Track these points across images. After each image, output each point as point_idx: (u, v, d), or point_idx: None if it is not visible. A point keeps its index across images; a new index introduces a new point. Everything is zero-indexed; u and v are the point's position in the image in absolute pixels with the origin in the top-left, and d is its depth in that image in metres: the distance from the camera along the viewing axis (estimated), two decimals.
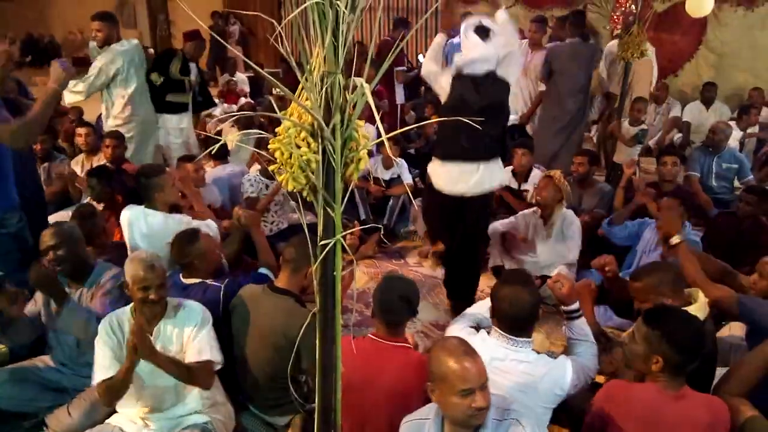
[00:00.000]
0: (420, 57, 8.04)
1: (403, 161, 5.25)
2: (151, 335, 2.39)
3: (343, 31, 1.05)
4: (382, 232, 4.83)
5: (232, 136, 5.33)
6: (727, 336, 2.89)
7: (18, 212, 2.87)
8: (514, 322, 2.16)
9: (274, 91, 7.35)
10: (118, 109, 4.61)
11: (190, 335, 2.39)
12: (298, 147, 1.14)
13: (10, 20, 14.52)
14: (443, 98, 3.34)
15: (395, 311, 2.35)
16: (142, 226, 3.17)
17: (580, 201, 4.47)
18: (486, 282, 3.90)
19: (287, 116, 1.18)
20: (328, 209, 1.15)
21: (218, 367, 2.45)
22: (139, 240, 3.17)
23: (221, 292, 2.78)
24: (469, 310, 2.60)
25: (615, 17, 5.14)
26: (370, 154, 5.23)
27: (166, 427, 2.42)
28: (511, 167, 4.72)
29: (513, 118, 5.57)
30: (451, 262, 3.75)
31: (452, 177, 3.35)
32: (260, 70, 1.32)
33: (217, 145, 1.50)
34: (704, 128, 5.98)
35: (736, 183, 5.22)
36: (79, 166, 4.65)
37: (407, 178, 5.16)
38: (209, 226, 3.26)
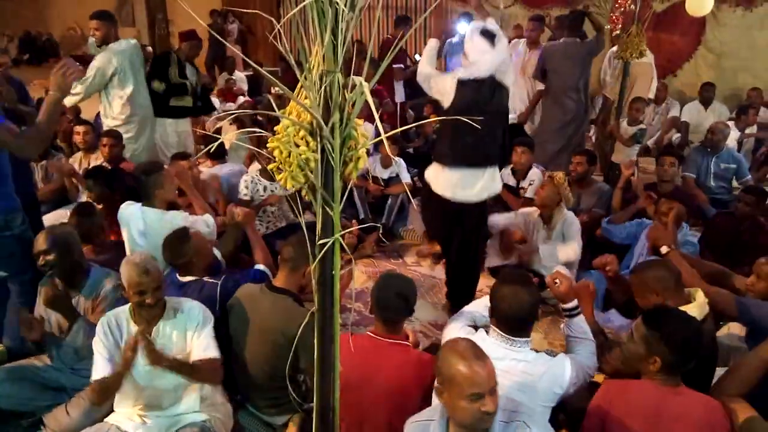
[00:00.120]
0: (417, 57, 8.05)
1: (401, 160, 5.25)
2: (150, 335, 2.39)
3: (342, 30, 1.05)
4: (380, 231, 4.83)
5: (229, 135, 5.32)
6: (726, 336, 2.90)
7: (21, 213, 2.87)
8: (513, 322, 2.15)
9: (273, 90, 7.34)
10: (116, 109, 4.60)
11: (192, 335, 2.40)
12: (297, 146, 1.14)
13: (9, 19, 14.51)
14: (446, 102, 3.24)
15: (392, 308, 2.35)
16: (140, 224, 3.16)
17: (578, 201, 4.47)
18: (485, 282, 3.90)
19: (286, 115, 1.18)
20: (327, 208, 1.15)
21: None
22: (137, 237, 3.17)
23: (218, 290, 2.79)
24: (466, 309, 2.60)
25: (615, 17, 5.14)
26: (369, 153, 5.23)
27: (164, 425, 2.42)
28: (510, 165, 4.73)
29: (511, 117, 5.58)
30: (449, 265, 3.73)
31: (456, 183, 3.30)
32: (259, 68, 1.31)
33: (215, 144, 1.50)
34: (703, 128, 5.99)
35: (735, 183, 5.23)
36: (77, 164, 4.63)
37: (406, 178, 5.17)
38: (207, 222, 3.26)
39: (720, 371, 2.34)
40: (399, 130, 1.45)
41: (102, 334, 2.37)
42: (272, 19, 1.31)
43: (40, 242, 2.65)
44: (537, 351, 2.21)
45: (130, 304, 2.42)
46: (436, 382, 1.78)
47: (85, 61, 4.67)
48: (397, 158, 5.21)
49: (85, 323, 2.63)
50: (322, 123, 1.09)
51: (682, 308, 2.30)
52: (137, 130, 4.70)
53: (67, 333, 2.66)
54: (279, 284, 2.63)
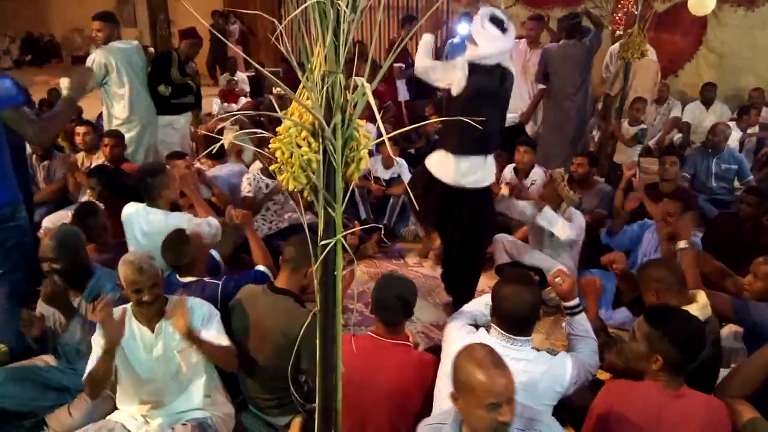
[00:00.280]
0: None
1: (403, 161, 5.25)
2: (153, 332, 2.40)
3: (344, 31, 1.05)
4: (382, 232, 4.83)
5: (229, 136, 5.32)
6: (726, 337, 2.90)
7: (24, 206, 2.94)
8: (515, 321, 2.15)
9: (274, 91, 7.34)
10: (117, 110, 4.60)
11: (200, 331, 2.41)
12: (299, 146, 1.14)
13: (10, 19, 14.52)
14: (456, 89, 3.16)
15: (392, 310, 2.35)
16: (143, 225, 3.17)
17: (580, 202, 4.47)
18: (486, 281, 3.90)
19: (288, 116, 1.18)
20: (329, 209, 1.15)
21: None
22: (140, 238, 3.17)
23: (219, 290, 2.79)
24: (466, 307, 2.60)
25: (617, 18, 5.13)
26: (370, 153, 5.20)
27: (166, 423, 2.42)
28: (512, 164, 4.72)
29: (513, 116, 5.58)
30: (448, 257, 3.70)
31: (463, 171, 3.28)
32: (262, 69, 1.31)
33: (217, 145, 1.50)
34: (704, 129, 5.99)
35: (736, 184, 5.23)
36: (78, 164, 4.64)
37: (407, 178, 5.16)
38: (210, 224, 3.27)
39: (721, 372, 2.35)
40: (400, 131, 1.45)
41: (102, 333, 2.36)
42: (274, 20, 1.31)
43: (48, 249, 2.64)
44: (538, 350, 2.21)
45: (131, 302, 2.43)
46: (451, 388, 1.75)
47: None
48: (398, 159, 5.22)
49: (82, 319, 2.63)
50: (324, 124, 1.09)
51: (684, 308, 2.30)
52: (138, 131, 4.70)
53: (65, 329, 2.67)
54: (280, 285, 2.63)
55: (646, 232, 3.79)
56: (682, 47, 7.87)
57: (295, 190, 1.18)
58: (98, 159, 4.49)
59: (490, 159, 3.38)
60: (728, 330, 2.96)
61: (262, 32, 11.71)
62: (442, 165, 3.34)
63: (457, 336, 2.29)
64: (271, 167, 1.24)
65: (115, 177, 3.97)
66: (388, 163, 5.15)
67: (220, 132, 5.54)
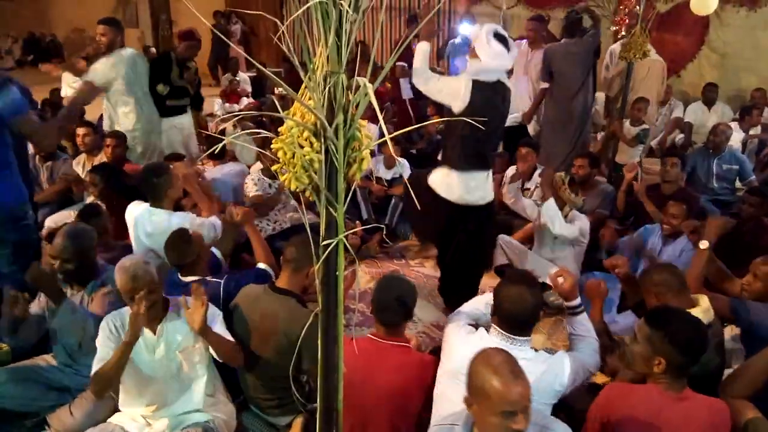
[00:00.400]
0: None
1: (404, 161, 5.25)
2: (154, 334, 2.40)
3: (346, 31, 1.05)
4: (384, 232, 4.83)
5: (230, 137, 5.33)
6: (726, 339, 2.90)
7: (30, 205, 3.05)
8: (515, 321, 2.16)
9: (276, 91, 7.35)
10: (121, 118, 4.58)
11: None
12: (301, 147, 1.14)
13: (11, 20, 14.54)
14: (458, 106, 3.15)
15: (391, 312, 2.35)
16: (147, 225, 3.18)
17: (583, 203, 4.47)
18: (486, 282, 3.90)
19: (290, 116, 1.18)
20: (331, 209, 1.15)
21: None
22: (143, 238, 3.19)
23: (221, 289, 2.80)
24: (464, 307, 2.59)
25: (620, 18, 5.11)
26: (372, 153, 5.20)
27: (168, 426, 2.42)
28: (515, 166, 4.72)
29: (516, 116, 5.58)
30: (449, 271, 3.70)
31: (467, 187, 3.30)
32: (264, 69, 1.31)
33: (219, 146, 1.50)
34: (706, 129, 5.97)
35: (738, 184, 5.22)
36: (80, 166, 4.65)
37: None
38: (214, 224, 3.27)
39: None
40: (402, 131, 1.44)
41: (108, 332, 2.38)
42: (276, 20, 1.31)
43: (60, 248, 2.64)
44: (536, 350, 2.21)
45: None
46: (466, 392, 1.74)
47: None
48: (400, 159, 5.22)
49: (71, 306, 2.60)
50: (326, 124, 1.09)
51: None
52: (143, 134, 4.70)
53: (54, 312, 2.61)
54: (282, 285, 2.63)
55: (650, 236, 3.78)
56: (684, 47, 7.85)
57: (297, 190, 1.18)
58: (100, 160, 4.49)
59: (490, 175, 3.42)
60: (728, 332, 2.96)
61: (264, 32, 11.73)
62: (446, 182, 3.33)
63: (457, 336, 2.29)
64: (273, 167, 1.24)
65: (116, 176, 3.97)
66: (390, 164, 5.15)
67: (222, 132, 5.56)
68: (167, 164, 3.68)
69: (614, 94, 5.93)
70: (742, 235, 3.77)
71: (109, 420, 2.48)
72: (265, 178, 4.23)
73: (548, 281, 2.85)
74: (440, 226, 3.45)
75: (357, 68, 1.19)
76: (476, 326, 2.38)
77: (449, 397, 2.16)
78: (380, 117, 1.04)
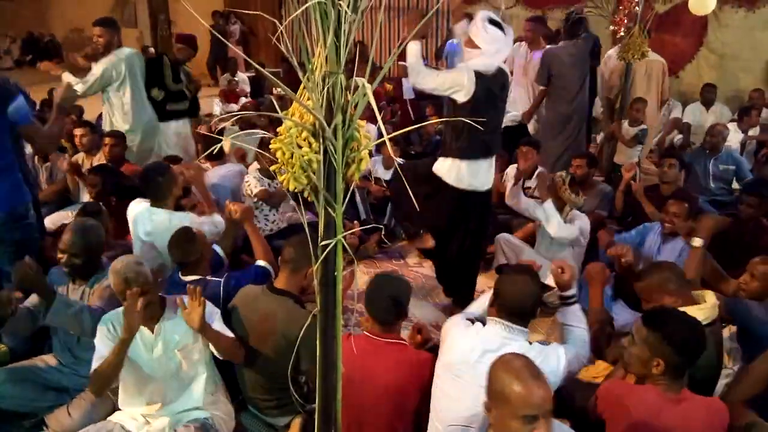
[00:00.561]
0: None
1: (403, 161, 5.24)
2: (152, 333, 2.40)
3: (345, 31, 1.05)
4: (382, 233, 4.82)
5: (228, 138, 5.32)
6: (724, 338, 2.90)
7: (32, 204, 3.09)
8: (514, 308, 2.18)
9: (275, 91, 7.34)
10: (119, 119, 4.60)
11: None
12: (300, 147, 1.14)
13: (10, 20, 14.52)
14: (464, 96, 3.14)
15: (384, 310, 2.36)
16: (147, 225, 3.18)
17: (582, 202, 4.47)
18: (486, 282, 3.90)
19: (289, 116, 1.18)
20: (329, 209, 1.15)
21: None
22: (143, 236, 3.19)
23: (221, 288, 2.80)
24: (470, 308, 2.61)
25: (619, 19, 5.11)
26: (371, 154, 5.19)
27: (168, 423, 2.42)
28: (515, 164, 4.72)
29: (515, 115, 5.58)
30: (449, 258, 3.69)
31: (480, 174, 3.36)
32: (262, 69, 1.31)
33: (218, 146, 1.50)
34: (704, 130, 5.97)
35: (735, 185, 5.22)
36: (79, 165, 4.64)
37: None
38: (215, 223, 3.27)
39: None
40: (400, 132, 1.44)
41: (106, 331, 2.38)
42: (274, 20, 1.31)
43: (69, 243, 2.64)
44: (531, 343, 2.22)
45: None
46: (485, 397, 1.73)
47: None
48: (399, 159, 5.21)
49: (64, 301, 2.57)
50: (325, 124, 1.09)
51: (690, 309, 2.29)
52: (141, 136, 4.69)
53: (48, 311, 2.54)
54: (280, 285, 2.62)
55: (648, 235, 3.77)
56: (682, 48, 7.85)
57: (296, 190, 1.18)
58: (98, 159, 4.49)
59: (493, 161, 3.48)
60: (725, 332, 2.96)
61: (263, 33, 11.71)
62: (455, 172, 3.34)
63: (456, 330, 2.29)
64: (272, 167, 1.24)
65: (115, 176, 3.97)
66: (388, 164, 5.14)
67: (220, 132, 5.54)
68: (166, 164, 3.68)
69: (613, 96, 5.93)
70: (741, 236, 3.77)
71: (108, 418, 2.48)
72: (264, 178, 4.22)
73: (548, 282, 2.86)
74: (447, 213, 3.46)
75: (356, 68, 1.19)
76: (473, 321, 2.38)
77: (446, 392, 2.17)
78: (379, 118, 1.04)
